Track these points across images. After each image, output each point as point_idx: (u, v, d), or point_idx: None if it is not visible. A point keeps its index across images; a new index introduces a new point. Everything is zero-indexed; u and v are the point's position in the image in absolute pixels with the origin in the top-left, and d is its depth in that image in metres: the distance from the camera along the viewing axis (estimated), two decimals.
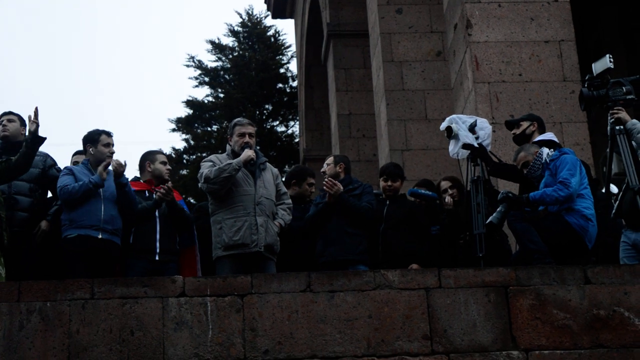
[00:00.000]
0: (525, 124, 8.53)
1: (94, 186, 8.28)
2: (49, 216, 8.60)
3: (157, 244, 8.52)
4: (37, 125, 8.18)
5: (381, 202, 9.09)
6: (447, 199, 8.97)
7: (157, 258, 8.47)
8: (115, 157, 8.62)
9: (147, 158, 9.02)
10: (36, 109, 8.20)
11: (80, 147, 9.04)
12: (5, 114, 8.91)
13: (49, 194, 8.98)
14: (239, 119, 8.84)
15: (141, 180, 9.01)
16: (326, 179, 8.85)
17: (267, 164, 8.68)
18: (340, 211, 8.75)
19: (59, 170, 8.84)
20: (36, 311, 6.55)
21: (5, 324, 6.50)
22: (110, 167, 8.47)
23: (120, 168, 8.42)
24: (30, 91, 52.80)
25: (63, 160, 9.41)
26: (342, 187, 8.75)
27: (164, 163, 8.99)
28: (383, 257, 8.76)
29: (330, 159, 9.37)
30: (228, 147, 8.64)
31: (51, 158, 8.92)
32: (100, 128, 8.72)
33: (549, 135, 8.48)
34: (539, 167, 8.02)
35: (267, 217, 8.27)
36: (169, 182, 8.75)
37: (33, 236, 8.50)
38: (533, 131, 8.47)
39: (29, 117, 8.24)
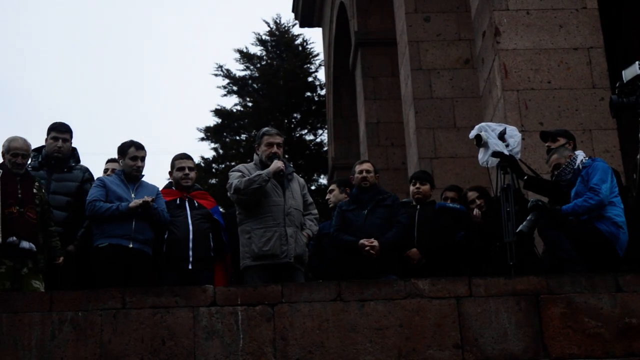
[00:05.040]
0: (562, 141, 8.48)
1: (119, 214, 8.24)
2: (77, 240, 8.50)
3: (190, 253, 8.47)
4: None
5: (412, 208, 9.11)
6: (475, 211, 8.95)
7: (190, 267, 8.42)
8: (145, 168, 8.64)
9: (171, 165, 8.99)
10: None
11: (112, 155, 9.15)
12: (62, 130, 8.73)
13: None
14: (267, 128, 8.82)
15: (173, 187, 8.98)
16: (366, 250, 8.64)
17: (294, 174, 8.70)
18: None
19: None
20: (68, 321, 6.60)
21: (38, 334, 6.56)
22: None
23: (146, 206, 8.28)
24: (63, 100, 53.17)
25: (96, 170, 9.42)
26: (377, 244, 8.59)
27: (180, 169, 8.87)
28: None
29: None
30: (256, 157, 8.63)
31: (89, 172, 8.82)
32: (134, 139, 8.68)
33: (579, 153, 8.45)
34: (570, 171, 8.01)
35: (296, 228, 8.29)
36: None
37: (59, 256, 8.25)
38: None
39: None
